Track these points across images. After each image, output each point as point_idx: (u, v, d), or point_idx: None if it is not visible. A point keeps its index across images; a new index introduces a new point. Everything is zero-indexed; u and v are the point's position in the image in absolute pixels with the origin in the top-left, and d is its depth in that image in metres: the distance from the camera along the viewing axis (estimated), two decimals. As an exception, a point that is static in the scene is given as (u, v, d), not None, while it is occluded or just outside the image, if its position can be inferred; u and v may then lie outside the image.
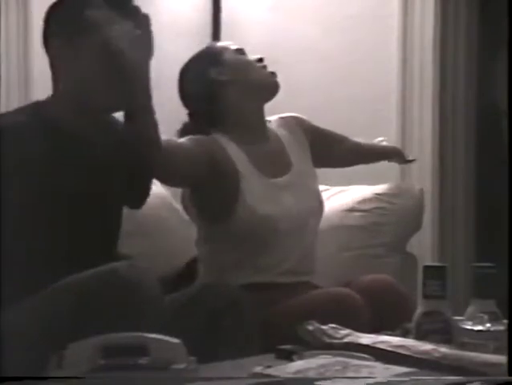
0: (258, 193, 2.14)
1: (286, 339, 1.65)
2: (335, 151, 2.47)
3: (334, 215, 2.55)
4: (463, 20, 3.19)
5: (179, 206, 2.46)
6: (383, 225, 2.60)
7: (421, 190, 2.72)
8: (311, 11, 3.37)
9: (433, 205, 3.11)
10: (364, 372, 1.39)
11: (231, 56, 2.24)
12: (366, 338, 1.62)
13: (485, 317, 1.57)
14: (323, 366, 1.42)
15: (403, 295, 2.15)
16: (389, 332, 1.73)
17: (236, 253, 2.15)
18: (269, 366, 1.43)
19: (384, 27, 3.27)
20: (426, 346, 1.54)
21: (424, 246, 3.06)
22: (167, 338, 1.35)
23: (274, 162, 2.23)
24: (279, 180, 2.21)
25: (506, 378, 1.38)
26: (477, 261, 2.82)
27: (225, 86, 2.21)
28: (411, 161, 2.68)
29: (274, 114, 2.35)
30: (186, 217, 2.35)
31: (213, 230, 2.19)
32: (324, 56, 3.31)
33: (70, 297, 1.60)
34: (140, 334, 1.35)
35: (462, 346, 1.55)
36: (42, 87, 2.94)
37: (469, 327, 1.57)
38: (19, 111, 1.89)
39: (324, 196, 2.41)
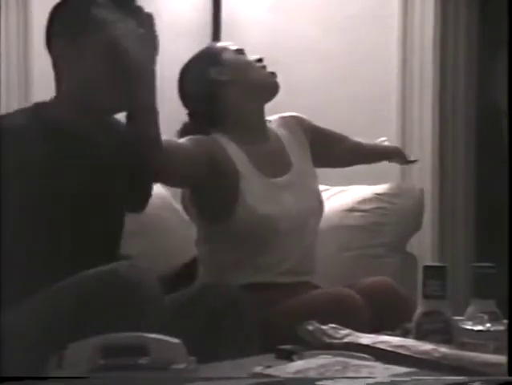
0: (257, 193, 2.14)
1: (286, 339, 1.65)
2: (335, 151, 2.47)
3: (334, 215, 2.55)
4: (463, 20, 3.19)
5: (179, 206, 2.46)
6: (383, 225, 2.60)
7: (421, 190, 2.73)
8: (311, 11, 3.37)
9: (433, 205, 3.11)
10: (364, 372, 1.39)
11: (231, 56, 2.24)
12: (366, 338, 1.62)
13: (485, 317, 1.57)
14: (323, 366, 1.42)
15: (402, 297, 2.15)
16: (389, 332, 1.73)
17: (236, 253, 2.15)
18: (269, 366, 1.43)
19: (384, 27, 3.26)
20: (426, 346, 1.54)
21: (424, 246, 3.06)
22: (167, 338, 1.35)
23: (274, 162, 2.23)
24: (279, 179, 2.21)
25: (506, 378, 1.38)
26: (477, 261, 2.82)
27: (224, 86, 2.21)
28: (412, 162, 2.68)
29: (274, 114, 2.35)
30: (186, 217, 2.35)
31: (212, 230, 2.19)
32: (324, 56, 3.31)
33: (70, 297, 1.60)
34: (140, 334, 1.35)
35: (462, 346, 1.55)
36: (42, 87, 2.96)
37: (469, 327, 1.57)
38: (21, 112, 1.89)
39: (324, 196, 2.41)
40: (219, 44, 2.37)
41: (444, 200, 3.16)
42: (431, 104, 3.16)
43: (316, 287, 2.19)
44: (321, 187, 2.39)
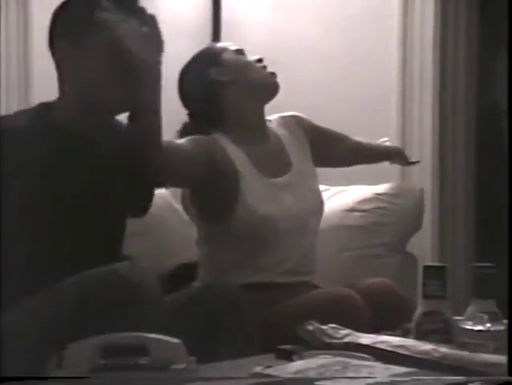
0: (257, 193, 2.14)
1: (286, 339, 1.65)
2: (335, 151, 2.47)
3: (334, 215, 2.55)
4: (463, 20, 3.19)
5: (179, 206, 2.46)
6: (383, 225, 2.60)
7: (421, 190, 2.73)
8: (311, 11, 3.37)
9: (433, 205, 3.11)
10: (364, 372, 1.39)
11: (231, 56, 2.24)
12: (366, 338, 1.62)
13: (485, 317, 1.57)
14: (323, 366, 1.42)
15: (402, 297, 2.15)
16: (389, 332, 1.73)
17: (236, 253, 2.15)
18: (269, 366, 1.43)
19: (384, 27, 3.27)
20: (426, 346, 1.54)
21: (424, 246, 3.06)
22: (167, 338, 1.35)
23: (274, 162, 2.23)
24: (279, 179, 2.21)
25: (506, 378, 1.38)
26: (477, 261, 2.82)
27: (224, 86, 2.21)
28: (414, 163, 2.67)
29: (274, 114, 2.35)
30: (186, 217, 2.35)
31: (213, 230, 2.19)
32: (324, 56, 3.32)
33: (70, 297, 1.60)
34: (140, 334, 1.35)
35: (462, 346, 1.55)
36: (42, 87, 2.97)
37: (469, 327, 1.57)
38: (25, 112, 1.89)
39: (324, 196, 2.41)
40: (219, 44, 2.37)
41: (444, 200, 3.17)
42: (431, 104, 3.16)
43: (316, 287, 2.19)
44: (321, 187, 2.39)
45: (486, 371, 1.42)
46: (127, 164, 1.89)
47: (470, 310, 1.60)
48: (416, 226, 2.68)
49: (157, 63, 1.84)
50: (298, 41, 3.35)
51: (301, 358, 1.52)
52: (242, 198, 2.12)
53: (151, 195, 2.01)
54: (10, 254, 1.68)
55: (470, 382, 1.33)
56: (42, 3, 2.98)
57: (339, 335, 1.64)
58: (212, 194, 2.13)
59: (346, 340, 1.63)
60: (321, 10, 3.37)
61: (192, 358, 1.34)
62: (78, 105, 1.84)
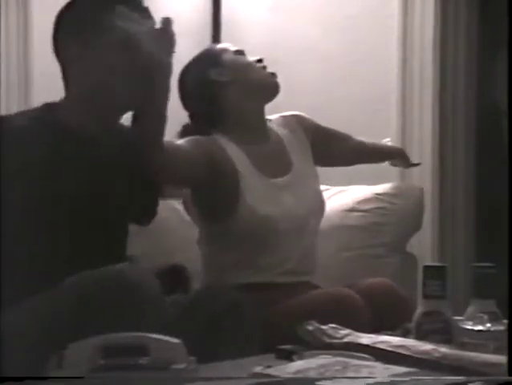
0: (258, 193, 2.14)
1: (286, 339, 1.65)
2: (337, 150, 2.47)
3: (334, 215, 2.55)
4: (463, 20, 3.19)
5: (179, 206, 2.46)
6: (383, 225, 2.60)
7: (421, 190, 2.73)
8: (311, 11, 3.37)
9: (433, 205, 3.11)
10: (364, 372, 1.39)
11: (231, 57, 2.24)
12: (366, 338, 1.62)
13: (485, 317, 1.57)
14: (323, 366, 1.42)
15: (402, 297, 2.15)
16: (389, 332, 1.73)
17: (236, 253, 2.15)
18: (269, 366, 1.43)
19: (384, 27, 3.26)
20: (426, 346, 1.54)
21: (424, 246, 3.06)
22: (167, 338, 1.35)
23: (274, 162, 2.23)
24: (279, 180, 2.21)
25: (506, 378, 1.38)
26: (477, 261, 2.82)
27: (224, 87, 2.21)
28: (415, 165, 2.67)
29: (274, 114, 2.35)
30: (186, 217, 2.35)
31: (213, 230, 2.19)
32: (324, 56, 3.31)
33: (70, 297, 1.60)
34: (140, 334, 1.35)
35: (462, 346, 1.55)
36: (42, 87, 2.97)
37: (469, 327, 1.57)
38: (29, 112, 1.89)
39: (324, 195, 2.41)
40: (219, 45, 2.37)
41: (444, 200, 3.16)
42: (431, 104, 3.16)
43: (316, 287, 2.19)
44: (321, 187, 2.38)
45: (486, 371, 1.42)
46: (130, 165, 1.89)
47: (470, 310, 1.60)
48: (416, 226, 2.68)
49: (168, 63, 1.84)
50: (298, 41, 3.35)
51: (301, 358, 1.52)
52: (242, 198, 2.12)
53: (155, 203, 2.01)
54: (11, 254, 1.68)
55: (470, 382, 1.33)
56: (42, 3, 2.98)
57: (339, 335, 1.64)
58: (212, 194, 2.13)
59: (346, 340, 1.63)
60: (321, 10, 3.37)
61: (192, 358, 1.34)
62: (85, 105, 1.84)
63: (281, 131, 2.31)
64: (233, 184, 2.13)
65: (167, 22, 1.85)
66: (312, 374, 1.37)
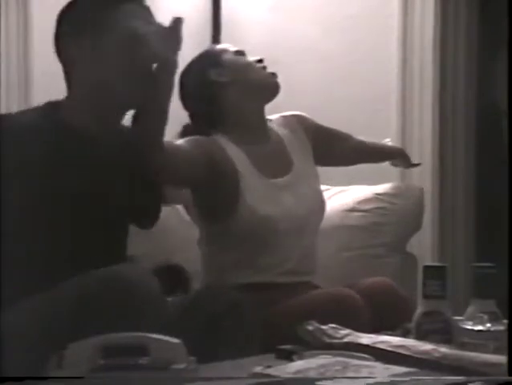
0: (258, 193, 2.14)
1: (286, 339, 1.65)
2: (338, 150, 2.46)
3: (334, 215, 2.55)
4: (463, 20, 3.19)
5: (179, 206, 2.46)
6: (383, 225, 2.60)
7: (421, 190, 2.73)
8: (311, 11, 3.37)
9: (433, 205, 3.11)
10: (364, 372, 1.39)
11: (231, 57, 2.24)
12: (366, 338, 1.62)
13: (485, 317, 1.57)
14: (323, 366, 1.42)
15: (402, 297, 2.15)
16: (389, 332, 1.73)
17: (236, 253, 2.15)
18: (269, 366, 1.43)
19: (384, 27, 3.26)
20: (426, 346, 1.54)
21: (424, 246, 3.06)
22: (167, 338, 1.35)
23: (274, 162, 2.23)
24: (280, 180, 2.21)
25: (506, 378, 1.38)
26: (477, 261, 2.82)
27: (225, 87, 2.21)
28: (416, 165, 2.67)
29: (274, 114, 2.35)
30: (186, 217, 2.35)
31: (213, 230, 2.19)
32: (324, 56, 3.32)
33: (70, 297, 1.60)
34: (140, 334, 1.35)
35: (462, 346, 1.55)
36: (42, 87, 2.97)
37: (469, 327, 1.57)
38: (32, 111, 1.89)
39: (325, 195, 2.41)
40: (219, 46, 2.38)
41: (444, 200, 3.17)
42: (431, 104, 3.16)
43: (316, 287, 2.19)
44: (322, 187, 2.38)
45: (486, 371, 1.42)
46: (131, 165, 1.89)
47: (470, 310, 1.60)
48: (416, 226, 2.69)
49: (174, 62, 1.84)
50: (298, 41, 3.35)
51: (301, 358, 1.52)
52: (242, 198, 2.12)
53: (157, 205, 2.01)
54: (11, 254, 1.68)
55: (470, 382, 1.33)
56: (42, 3, 2.98)
57: (339, 335, 1.64)
58: (212, 194, 2.13)
59: (346, 340, 1.63)
60: (321, 10, 3.37)
61: (192, 358, 1.34)
62: (86, 105, 1.83)
63: (281, 131, 2.31)
64: (233, 184, 2.13)
65: (178, 21, 1.85)
66: (312, 374, 1.37)
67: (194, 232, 2.25)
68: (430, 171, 3.14)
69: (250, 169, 2.16)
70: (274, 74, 2.24)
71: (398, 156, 2.59)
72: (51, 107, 1.86)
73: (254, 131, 2.24)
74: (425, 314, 1.64)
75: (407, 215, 2.63)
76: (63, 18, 1.87)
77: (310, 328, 1.66)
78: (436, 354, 1.50)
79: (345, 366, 1.41)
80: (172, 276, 2.20)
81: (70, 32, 1.84)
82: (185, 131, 2.22)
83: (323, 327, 1.66)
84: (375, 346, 1.58)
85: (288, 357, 1.56)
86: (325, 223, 2.33)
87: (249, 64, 2.24)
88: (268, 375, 1.38)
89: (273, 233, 2.14)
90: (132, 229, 1.97)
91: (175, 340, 1.34)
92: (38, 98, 1.95)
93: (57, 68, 1.89)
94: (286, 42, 3.35)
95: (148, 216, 2.00)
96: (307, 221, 2.23)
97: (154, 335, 1.35)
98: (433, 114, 3.16)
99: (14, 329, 1.60)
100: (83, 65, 1.84)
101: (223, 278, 2.15)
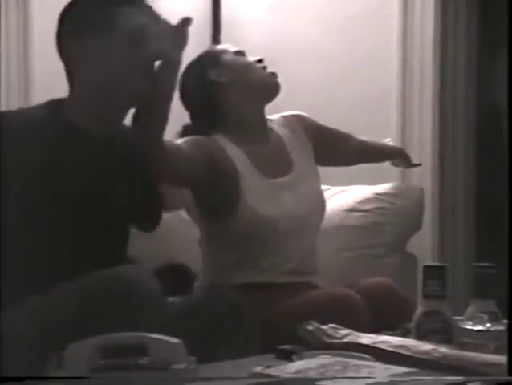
0: (258, 194, 2.14)
1: (286, 339, 1.65)
2: (339, 149, 2.46)
3: (334, 215, 2.55)
4: (463, 20, 3.19)
5: (179, 206, 2.46)
6: (383, 225, 2.60)
7: (421, 190, 2.73)
8: (311, 11, 3.37)
9: (433, 205, 3.11)
10: (364, 372, 1.39)
11: (231, 58, 2.24)
12: (366, 338, 1.62)
13: (485, 317, 1.57)
14: (323, 366, 1.42)
15: (402, 297, 2.15)
16: (389, 332, 1.73)
17: (236, 253, 2.15)
18: (269, 366, 1.43)
19: (384, 27, 3.27)
20: (426, 346, 1.54)
21: (424, 246, 3.06)
22: (167, 338, 1.35)
23: (275, 162, 2.23)
24: (280, 180, 2.21)
25: (506, 378, 1.38)
26: (477, 261, 2.82)
27: (225, 87, 2.21)
28: (416, 165, 2.67)
29: (274, 114, 2.35)
30: (186, 217, 2.35)
31: (213, 230, 2.19)
32: (324, 56, 3.32)
33: (71, 298, 1.60)
34: (140, 334, 1.35)
35: (462, 346, 1.55)
36: (42, 87, 2.97)
37: (469, 327, 1.57)
38: (35, 109, 1.88)
39: (325, 195, 2.41)
40: (219, 46, 2.38)
41: (444, 200, 3.17)
42: (431, 104, 3.16)
43: (316, 287, 2.19)
44: (322, 187, 2.38)
45: (486, 371, 1.42)
46: (131, 165, 1.89)
47: (470, 310, 1.60)
48: (416, 226, 2.69)
49: (178, 61, 1.84)
50: (298, 41, 3.35)
51: (301, 358, 1.52)
52: (243, 198, 2.12)
53: (158, 207, 2.01)
54: (11, 254, 1.68)
55: (470, 382, 1.33)
56: (42, 3, 2.98)
57: (339, 335, 1.64)
58: (212, 194, 2.13)
59: (346, 340, 1.63)
60: (321, 10, 3.37)
61: (192, 358, 1.34)
62: (88, 103, 1.83)
63: (281, 131, 2.31)
64: (234, 185, 2.13)
65: (186, 21, 1.86)
66: (312, 374, 1.37)
67: (194, 232, 2.25)
68: (430, 171, 3.15)
69: (250, 169, 2.16)
70: (274, 75, 2.23)
71: (398, 156, 2.59)
72: (54, 105, 1.86)
73: (254, 131, 2.24)
74: (425, 314, 1.64)
75: (407, 215, 2.64)
76: (65, 17, 1.87)
77: (310, 328, 1.66)
78: (436, 354, 1.50)
79: (345, 366, 1.42)
80: (177, 275, 2.21)
81: (71, 31, 1.84)
82: (185, 131, 2.22)
83: (323, 327, 1.66)
84: (375, 346, 1.58)
85: (288, 357, 1.56)
86: (325, 223, 2.33)
87: (249, 64, 2.24)
88: (268, 375, 1.38)
89: (273, 233, 2.14)
90: (133, 230, 1.97)
91: (175, 340, 1.34)
92: (38, 98, 1.94)
93: (57, 68, 1.89)
94: (286, 42, 3.35)
95: (149, 219, 2.00)
96: (308, 221, 2.23)
97: (154, 335, 1.35)
98: (433, 114, 3.16)
99: (14, 329, 1.60)
100: (84, 64, 1.83)
101: (223, 278, 2.14)
